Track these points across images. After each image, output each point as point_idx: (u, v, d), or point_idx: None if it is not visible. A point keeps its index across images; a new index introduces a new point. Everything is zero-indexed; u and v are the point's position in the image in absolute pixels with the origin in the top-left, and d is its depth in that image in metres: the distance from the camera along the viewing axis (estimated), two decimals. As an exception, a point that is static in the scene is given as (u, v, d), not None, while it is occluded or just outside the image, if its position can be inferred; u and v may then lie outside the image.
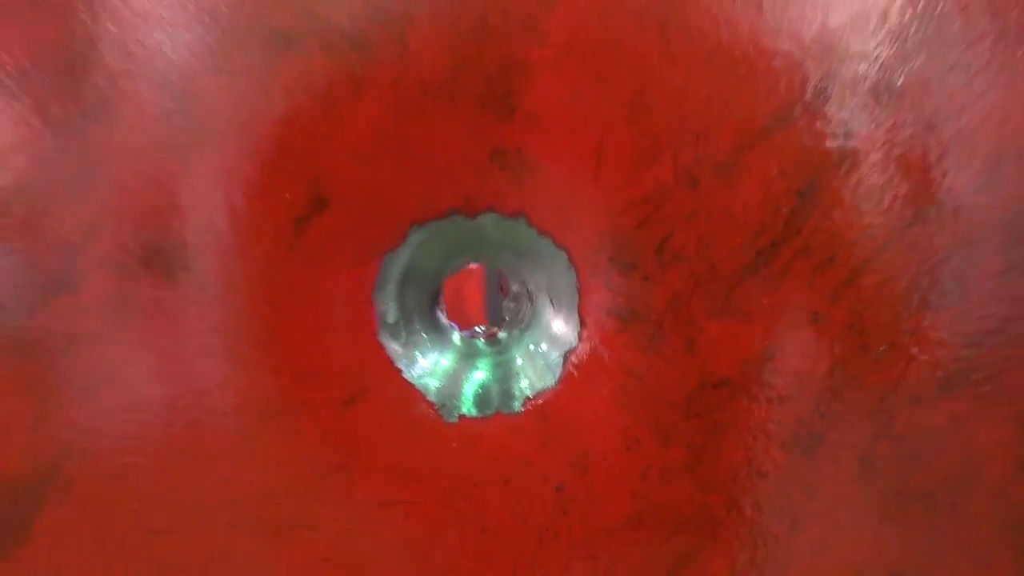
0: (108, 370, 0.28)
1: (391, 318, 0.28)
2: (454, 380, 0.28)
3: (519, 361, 0.28)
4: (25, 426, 0.28)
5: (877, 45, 0.24)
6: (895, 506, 0.25)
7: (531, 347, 0.28)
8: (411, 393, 0.28)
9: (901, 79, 0.24)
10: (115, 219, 0.27)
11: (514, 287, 0.29)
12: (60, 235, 0.27)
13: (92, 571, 0.29)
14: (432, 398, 0.28)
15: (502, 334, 0.30)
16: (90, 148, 0.27)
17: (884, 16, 0.24)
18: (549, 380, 0.27)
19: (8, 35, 0.26)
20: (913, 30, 0.24)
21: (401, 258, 0.28)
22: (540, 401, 0.27)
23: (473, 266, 0.41)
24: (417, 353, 0.29)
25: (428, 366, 0.28)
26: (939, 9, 0.24)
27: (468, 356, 0.29)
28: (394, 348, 0.28)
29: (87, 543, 0.29)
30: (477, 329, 0.31)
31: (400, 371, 0.28)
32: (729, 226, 0.25)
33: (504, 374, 0.28)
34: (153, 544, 0.29)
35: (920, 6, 0.24)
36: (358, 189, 0.27)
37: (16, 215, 0.27)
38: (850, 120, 0.24)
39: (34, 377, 0.28)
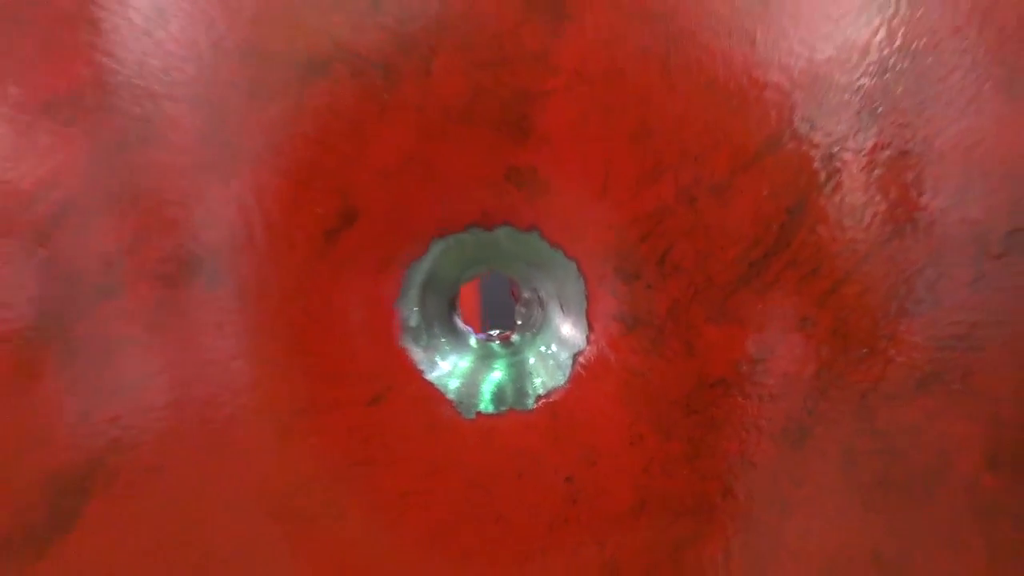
0: (150, 371, 0.30)
1: (413, 323, 0.31)
2: (472, 380, 0.31)
3: (532, 362, 0.31)
4: (71, 423, 0.31)
5: (859, 77, 0.27)
6: (876, 495, 0.28)
7: (542, 349, 0.31)
8: (432, 392, 0.31)
9: (881, 108, 0.27)
10: (157, 232, 0.30)
11: (526, 294, 0.32)
12: (106, 247, 0.30)
13: (133, 557, 0.31)
14: (451, 396, 0.30)
15: (515, 337, 0.32)
16: (134, 167, 0.29)
17: (865, 51, 0.27)
18: (559, 379, 0.30)
19: (64, 65, 0.29)
20: (891, 64, 0.27)
21: (423, 267, 0.30)
22: (551, 399, 0.30)
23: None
24: (437, 355, 0.31)
25: (448, 367, 0.31)
26: (914, 46, 0.26)
27: (484, 358, 0.32)
28: (416, 351, 0.31)
29: (129, 532, 0.31)
30: (492, 333, 0.33)
31: (421, 372, 0.31)
32: (724, 240, 0.28)
33: (518, 374, 0.31)
34: (190, 532, 0.31)
35: (897, 43, 0.26)
36: (384, 204, 0.29)
37: (66, 229, 0.30)
38: (834, 145, 0.27)
39: (79, 378, 0.31)
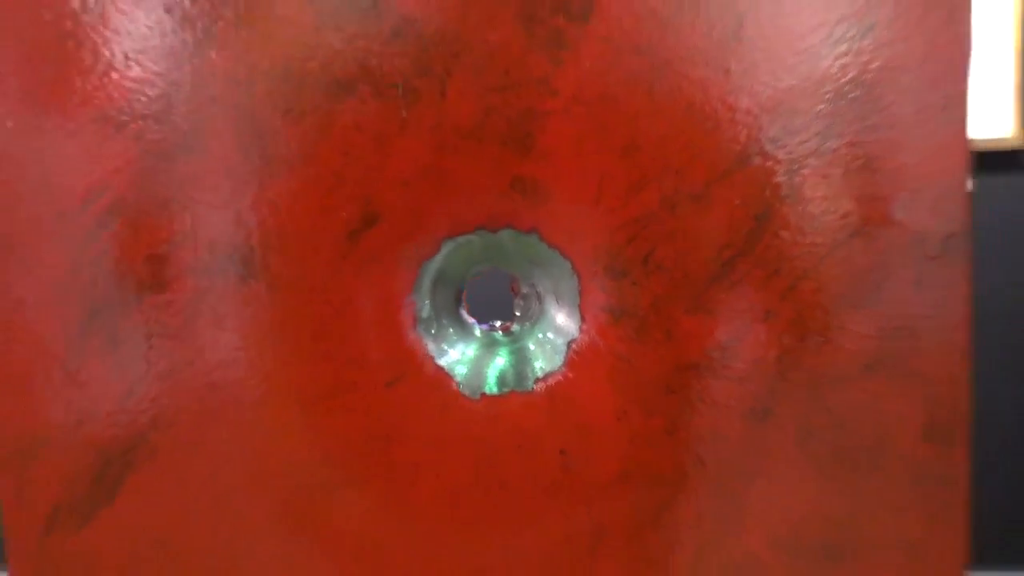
0: (190, 356, 0.35)
1: (424, 314, 0.35)
2: (477, 365, 0.35)
3: (531, 349, 0.35)
4: (116, 402, 0.35)
5: (818, 104, 0.32)
6: (828, 464, 0.33)
7: (540, 337, 0.35)
8: (442, 376, 0.35)
9: (836, 130, 0.32)
10: (199, 232, 0.34)
11: (525, 289, 0.37)
12: (153, 244, 0.34)
13: (171, 522, 0.36)
14: (459, 380, 0.35)
15: (516, 327, 0.37)
16: (179, 172, 0.33)
17: (823, 82, 0.31)
18: (555, 364, 0.34)
19: (120, 78, 0.33)
20: (846, 92, 0.32)
21: (434, 265, 0.35)
22: (548, 382, 0.34)
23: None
24: (446, 344, 0.36)
25: (456, 355, 0.35)
26: (868, 78, 0.31)
27: (489, 345, 0.36)
28: (427, 339, 0.35)
29: (168, 500, 0.35)
30: (495, 323, 0.38)
31: (432, 358, 0.35)
32: (700, 243, 0.33)
33: (518, 360, 0.35)
34: (222, 502, 0.35)
35: (851, 74, 0.31)
36: (401, 209, 0.34)
37: (116, 228, 0.34)
38: (795, 162, 0.32)
39: (125, 361, 0.35)
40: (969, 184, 0.31)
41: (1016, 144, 2.02)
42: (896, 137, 0.32)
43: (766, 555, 0.33)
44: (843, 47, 0.31)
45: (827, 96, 0.32)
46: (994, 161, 1.99)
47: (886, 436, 0.33)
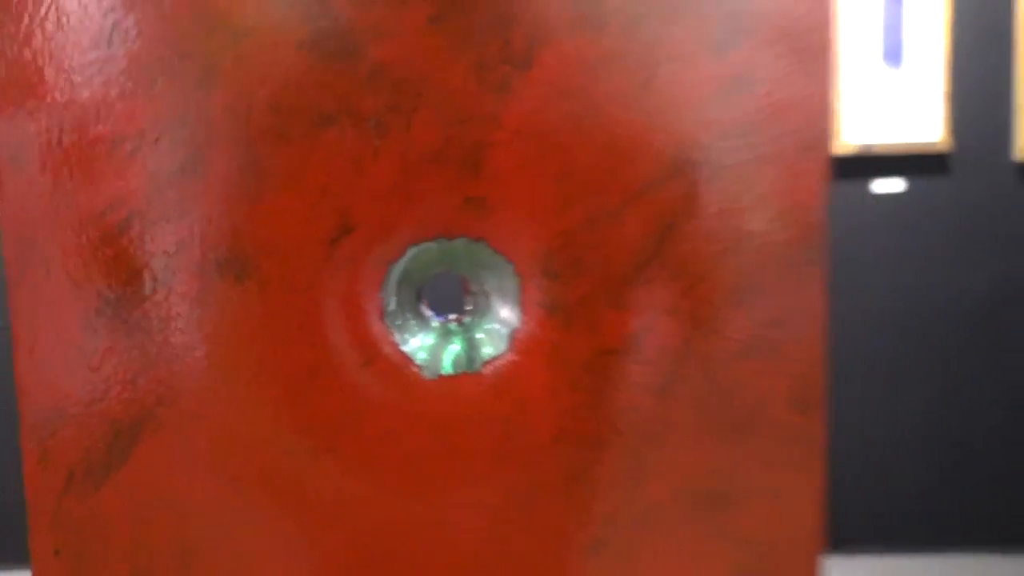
0: (192, 343, 0.42)
1: (391, 308, 0.43)
2: (435, 351, 0.43)
3: (480, 337, 0.43)
4: (127, 382, 0.42)
5: (713, 140, 0.40)
6: (717, 430, 0.42)
7: (487, 328, 0.43)
8: (405, 360, 0.43)
9: (728, 161, 0.40)
10: (200, 239, 0.41)
11: (475, 288, 0.45)
12: (160, 248, 0.41)
13: (175, 485, 0.43)
14: (420, 363, 0.43)
15: (467, 320, 0.45)
16: (184, 190, 0.41)
17: (716, 123, 0.40)
18: (500, 350, 0.43)
19: (133, 107, 0.40)
20: (735, 131, 0.40)
21: (400, 267, 0.43)
22: (494, 365, 0.43)
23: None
24: (408, 333, 0.44)
25: (417, 342, 0.43)
26: (750, 121, 0.40)
27: (444, 335, 0.44)
28: (393, 329, 0.43)
29: (172, 467, 0.43)
30: (450, 316, 0.46)
31: (397, 345, 0.43)
32: (618, 251, 0.41)
33: (469, 347, 0.43)
34: (221, 466, 0.43)
35: (738, 117, 0.40)
36: (373, 221, 0.41)
37: (127, 236, 0.41)
38: (695, 185, 0.40)
39: (135, 346, 0.42)
40: (824, 209, 0.41)
41: (943, 148, 2.18)
42: (772, 168, 0.41)
43: (668, 503, 0.42)
44: (731, 97, 0.40)
45: (719, 134, 0.40)
46: (923, 164, 2.15)
47: (761, 406, 0.42)
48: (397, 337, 0.43)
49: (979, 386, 2.18)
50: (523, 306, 0.42)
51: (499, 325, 0.43)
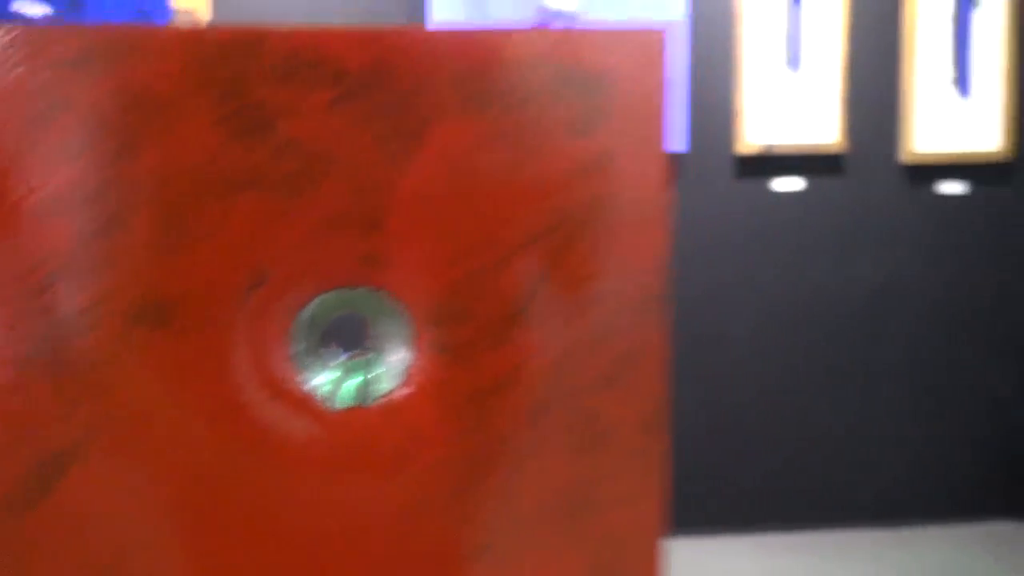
0: (119, 381, 0.48)
1: (300, 347, 0.50)
2: (337, 386, 0.50)
3: (377, 373, 0.51)
4: (56, 419, 0.48)
5: (574, 211, 0.49)
6: (579, 450, 0.51)
7: (384, 365, 0.51)
8: (310, 394, 0.50)
9: (586, 230, 0.49)
10: (123, 290, 0.47)
11: (373, 331, 0.52)
12: (87, 299, 0.47)
13: (102, 510, 0.49)
14: (324, 395, 0.50)
15: (366, 358, 0.52)
16: (107, 247, 0.46)
17: (575, 198, 0.48)
18: (395, 385, 0.50)
19: (59, 173, 0.45)
20: (591, 204, 0.49)
21: (308, 312, 0.50)
22: (390, 398, 0.50)
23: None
24: (313, 370, 0.51)
25: (322, 378, 0.50)
26: (601, 197, 0.49)
27: (346, 371, 0.51)
28: (300, 366, 0.50)
29: (98, 493, 0.48)
30: (352, 355, 0.53)
31: (303, 380, 0.50)
32: (497, 300, 0.49)
33: (368, 382, 0.51)
34: (141, 492, 0.49)
35: (592, 195, 0.48)
36: (284, 273, 0.48)
37: (56, 289, 0.46)
38: (558, 249, 0.49)
39: (66, 385, 0.47)
40: (664, 269, 0.50)
41: (839, 149, 2.35)
42: (619, 239, 0.49)
43: (539, 512, 0.51)
44: (590, 173, 0.49)
45: (578, 207, 0.49)
46: (820, 164, 2.31)
47: (615, 429, 0.51)
48: (303, 374, 0.50)
49: (866, 370, 2.37)
50: (415, 347, 0.50)
51: (394, 363, 0.51)
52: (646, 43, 0.48)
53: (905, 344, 2.29)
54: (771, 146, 2.27)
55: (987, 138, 2.31)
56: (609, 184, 0.49)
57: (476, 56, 0.48)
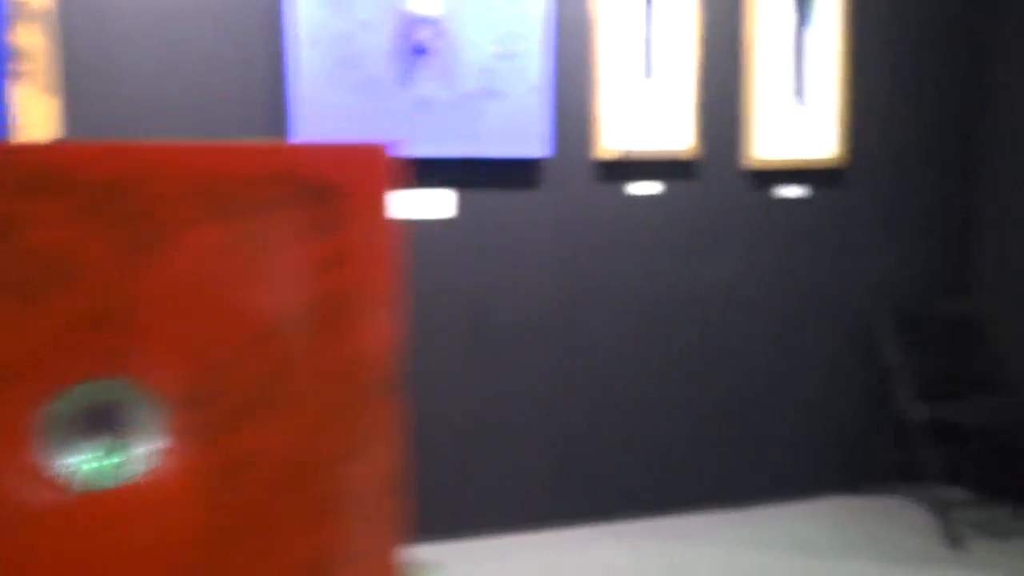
0: None
1: (54, 436, 0.55)
2: (95, 466, 0.56)
3: (132, 456, 0.56)
4: None
5: (314, 307, 0.55)
6: (322, 518, 0.58)
7: (140, 447, 0.57)
8: (68, 474, 0.55)
9: (327, 325, 0.56)
10: None
11: (127, 417, 0.58)
12: None
13: None
14: (81, 476, 0.55)
15: (122, 441, 0.58)
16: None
17: (311, 296, 0.55)
18: (149, 466, 0.56)
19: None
20: (331, 302, 0.56)
21: (60, 405, 0.55)
22: (145, 476, 0.56)
23: None
24: (69, 454, 0.56)
25: (81, 458, 0.56)
26: (340, 293, 0.56)
27: (102, 455, 0.57)
28: (56, 452, 0.55)
29: None
30: (107, 438, 0.58)
31: (60, 465, 0.55)
32: (238, 389, 0.55)
33: (123, 463, 0.56)
34: None
35: (334, 290, 0.55)
36: (32, 372, 0.53)
37: None
38: (293, 344, 0.55)
39: None
40: (396, 364, 0.57)
41: (693, 155, 2.50)
42: (355, 327, 0.57)
43: (285, 574, 0.58)
44: (324, 274, 0.55)
45: (316, 301, 0.56)
46: (674, 169, 2.46)
47: (358, 496, 0.58)
48: (60, 459, 0.55)
49: (716, 363, 2.55)
50: (169, 431, 0.56)
51: (148, 447, 0.56)
52: (370, 157, 0.55)
53: (751, 335, 2.48)
54: (629, 151, 2.40)
55: (823, 146, 2.51)
56: (343, 280, 0.56)
57: (217, 168, 0.54)
